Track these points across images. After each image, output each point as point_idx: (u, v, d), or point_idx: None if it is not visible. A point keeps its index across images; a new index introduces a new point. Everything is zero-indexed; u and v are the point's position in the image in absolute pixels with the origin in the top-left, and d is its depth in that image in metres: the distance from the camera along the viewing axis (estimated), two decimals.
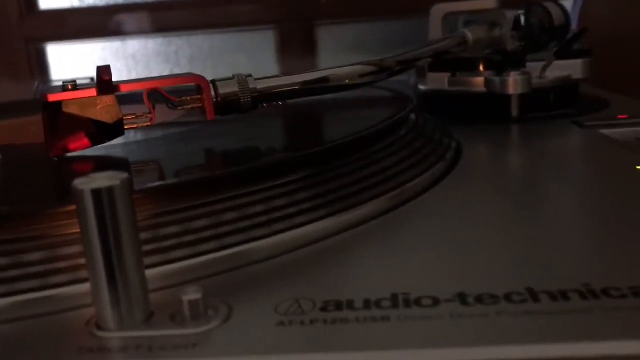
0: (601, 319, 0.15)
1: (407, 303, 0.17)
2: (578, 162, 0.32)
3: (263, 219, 0.22)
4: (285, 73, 0.31)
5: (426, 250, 0.21)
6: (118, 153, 0.29)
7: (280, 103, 0.31)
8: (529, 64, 0.41)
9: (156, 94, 0.28)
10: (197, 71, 0.30)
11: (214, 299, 0.18)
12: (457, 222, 0.23)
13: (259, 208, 0.22)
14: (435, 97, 0.43)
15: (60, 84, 0.27)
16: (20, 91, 0.73)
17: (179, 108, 0.29)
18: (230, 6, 0.76)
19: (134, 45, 0.79)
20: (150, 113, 0.28)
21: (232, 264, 0.20)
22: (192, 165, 0.27)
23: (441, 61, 0.42)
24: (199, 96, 0.29)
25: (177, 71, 0.78)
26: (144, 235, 0.19)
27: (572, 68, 0.43)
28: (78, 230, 0.16)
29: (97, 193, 0.16)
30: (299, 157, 0.25)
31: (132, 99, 0.29)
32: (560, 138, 0.35)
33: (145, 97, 0.28)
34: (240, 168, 0.24)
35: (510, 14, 0.41)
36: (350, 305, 0.17)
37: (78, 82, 0.28)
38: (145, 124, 0.28)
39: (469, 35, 0.40)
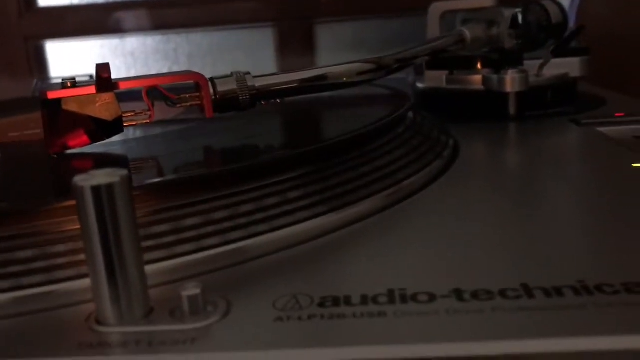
0: (595, 314, 0.16)
1: (404, 299, 0.17)
2: (575, 160, 0.32)
3: (262, 215, 0.22)
4: (283, 71, 0.31)
5: (423, 247, 0.21)
6: (117, 150, 0.29)
7: (278, 100, 0.31)
8: (526, 62, 0.41)
9: (155, 91, 0.29)
10: (196, 69, 0.30)
11: (213, 294, 0.18)
12: (454, 219, 0.23)
13: (257, 205, 0.22)
14: (433, 94, 0.44)
15: (59, 81, 0.28)
16: (19, 89, 0.73)
17: (178, 105, 0.29)
18: (229, 4, 0.76)
19: (132, 43, 0.79)
20: (149, 110, 0.29)
21: (230, 260, 0.20)
22: (191, 163, 0.27)
23: (439, 59, 0.42)
24: (198, 94, 0.29)
25: (175, 69, 0.78)
26: (143, 232, 0.20)
27: (569, 66, 0.43)
28: (78, 226, 0.16)
29: (96, 190, 0.16)
30: (298, 154, 0.25)
31: (130, 96, 0.29)
32: (557, 135, 0.36)
33: (144, 95, 0.28)
34: (239, 165, 0.24)
35: (507, 12, 0.41)
36: (347, 301, 0.17)
37: (77, 79, 0.28)
38: (145, 121, 0.29)
39: (467, 34, 0.40)
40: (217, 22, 0.77)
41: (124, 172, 0.16)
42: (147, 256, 0.19)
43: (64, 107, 0.27)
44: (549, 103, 0.41)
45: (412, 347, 0.15)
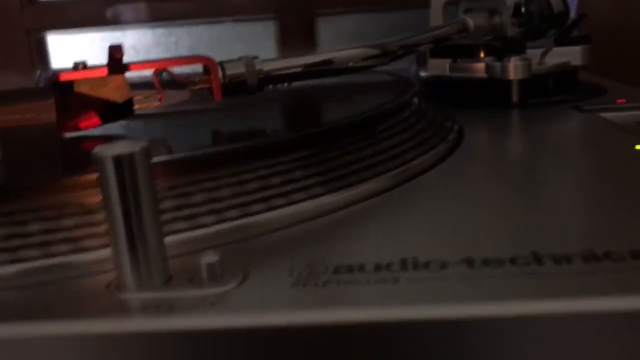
0: (603, 280, 0.16)
1: (416, 266, 0.18)
2: (580, 143, 0.33)
3: (280, 190, 0.23)
4: (290, 55, 0.32)
5: (433, 221, 0.22)
6: (129, 133, 0.30)
7: (285, 85, 0.32)
8: (528, 51, 0.42)
9: (164, 75, 0.29)
10: None
11: (230, 263, 0.18)
12: (462, 196, 0.24)
13: (281, 178, 0.23)
14: (437, 83, 0.44)
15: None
16: (21, 82, 0.74)
17: (187, 88, 0.30)
18: None
19: (133, 35, 0.79)
20: (159, 93, 0.29)
21: (249, 232, 0.21)
22: (214, 138, 0.28)
23: (442, 47, 0.43)
24: (207, 77, 0.30)
25: None
26: (170, 203, 0.20)
27: (570, 54, 0.44)
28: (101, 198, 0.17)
29: (118, 159, 0.16)
30: (317, 132, 0.26)
31: (140, 85, 0.30)
32: (560, 121, 0.36)
33: (154, 77, 0.29)
34: (264, 141, 0.25)
35: (510, 2, 0.41)
36: (361, 268, 0.18)
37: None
38: (155, 104, 0.29)
39: (470, 22, 0.41)
40: (218, 14, 0.77)
41: (144, 142, 0.17)
42: (167, 227, 0.19)
43: (76, 89, 0.27)
44: (551, 91, 0.42)
45: (424, 307, 0.15)
